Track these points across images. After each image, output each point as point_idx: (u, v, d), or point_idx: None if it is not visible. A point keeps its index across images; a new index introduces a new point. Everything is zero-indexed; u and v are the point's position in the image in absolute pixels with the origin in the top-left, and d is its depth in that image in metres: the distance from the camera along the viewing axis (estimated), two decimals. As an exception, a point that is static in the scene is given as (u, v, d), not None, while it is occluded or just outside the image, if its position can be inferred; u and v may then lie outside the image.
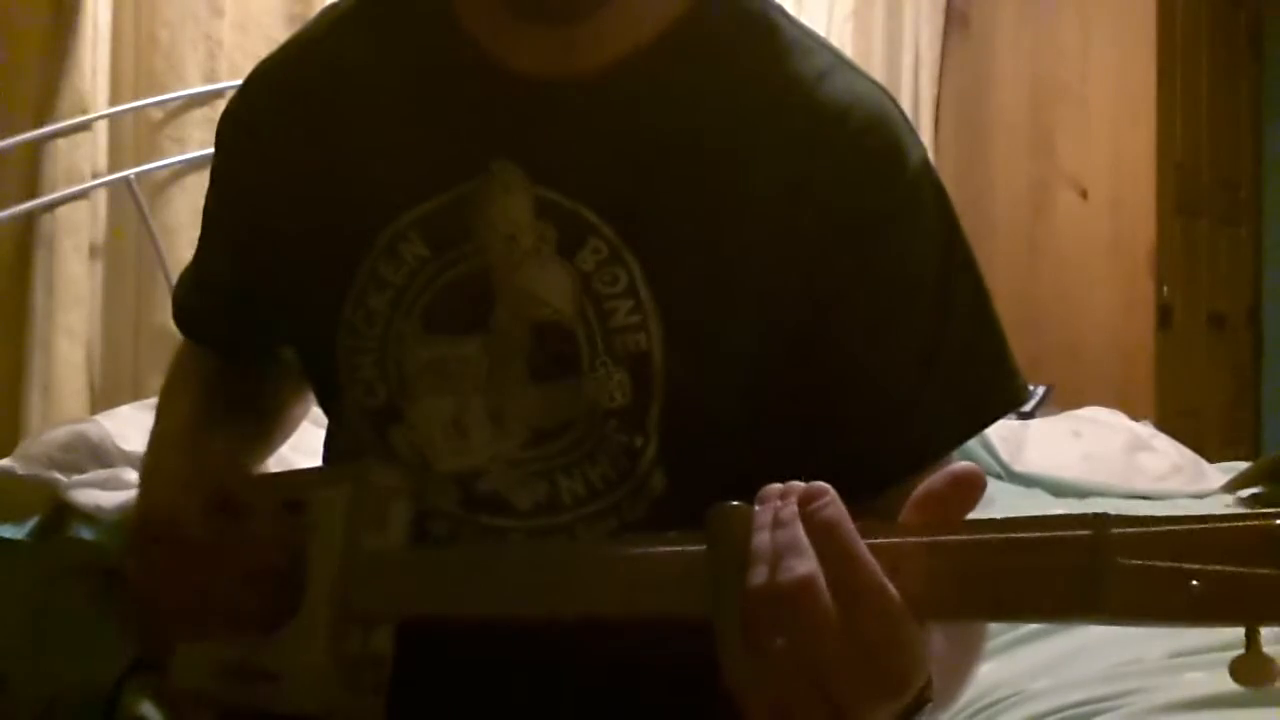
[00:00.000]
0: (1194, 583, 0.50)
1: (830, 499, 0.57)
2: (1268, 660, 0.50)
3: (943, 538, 0.56)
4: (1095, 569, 0.52)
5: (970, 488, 0.57)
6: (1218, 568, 0.50)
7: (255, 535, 0.83)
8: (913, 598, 0.56)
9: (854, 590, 0.55)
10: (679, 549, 0.63)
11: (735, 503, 0.61)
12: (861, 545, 0.56)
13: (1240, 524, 0.50)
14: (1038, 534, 0.54)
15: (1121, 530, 0.52)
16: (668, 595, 0.63)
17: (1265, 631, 0.50)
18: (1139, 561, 0.51)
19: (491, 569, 0.75)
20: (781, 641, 0.55)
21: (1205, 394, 3.83)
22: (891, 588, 0.55)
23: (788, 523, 0.57)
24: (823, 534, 0.56)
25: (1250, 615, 0.50)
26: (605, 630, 0.73)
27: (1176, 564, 0.50)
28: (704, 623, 0.60)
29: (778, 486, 0.60)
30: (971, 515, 0.58)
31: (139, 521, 0.87)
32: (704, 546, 0.61)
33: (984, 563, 0.55)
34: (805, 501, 0.57)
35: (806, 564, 0.56)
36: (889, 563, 0.56)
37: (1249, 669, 0.50)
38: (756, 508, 0.60)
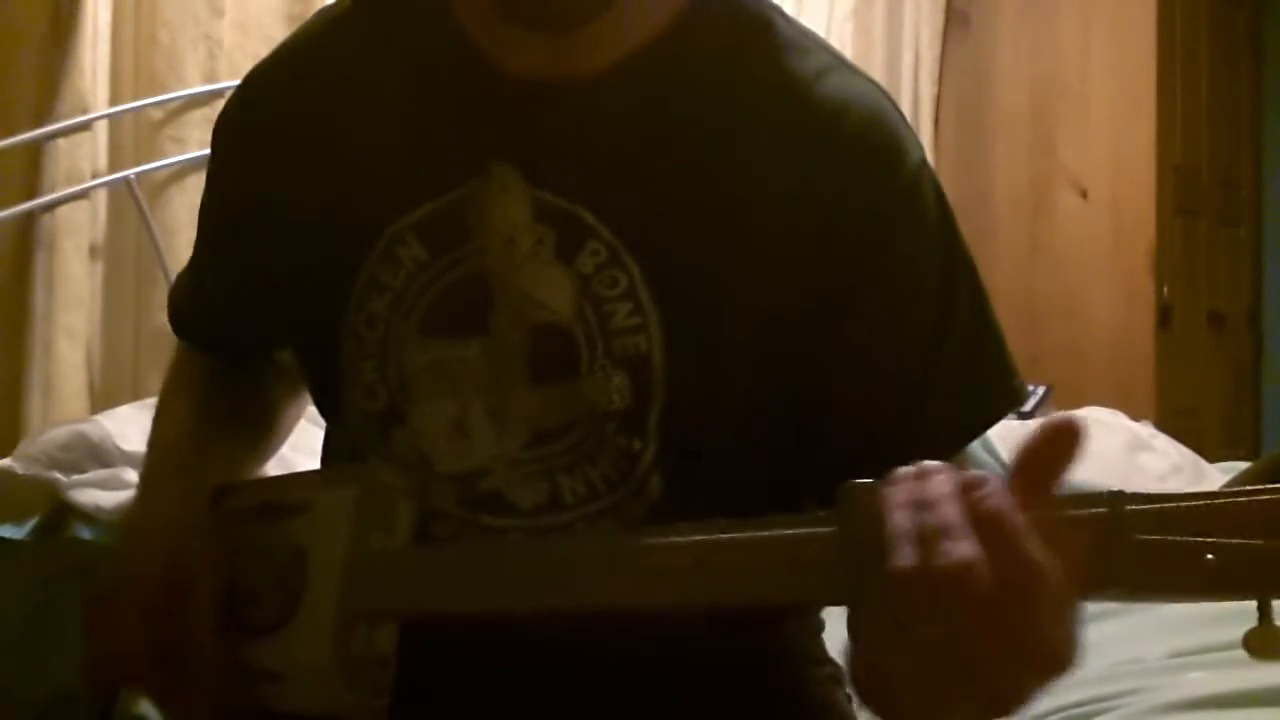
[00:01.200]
0: (1209, 556, 0.51)
1: (994, 488, 0.54)
2: (1279, 632, 0.51)
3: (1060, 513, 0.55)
4: (1112, 545, 0.53)
5: (1069, 437, 0.54)
6: (1232, 541, 0.50)
7: (186, 621, 0.82)
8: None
9: (1030, 580, 0.52)
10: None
11: (864, 480, 0.58)
12: (1032, 535, 0.52)
13: (1254, 499, 0.51)
14: (1053, 512, 0.55)
15: (1137, 507, 0.53)
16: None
17: (1277, 605, 0.51)
18: (1155, 536, 0.52)
19: (500, 567, 0.75)
20: (938, 629, 0.52)
21: (1205, 394, 3.83)
22: (1061, 572, 0.52)
23: (937, 502, 0.54)
24: (992, 525, 0.53)
25: (1264, 587, 0.51)
26: (609, 630, 0.73)
27: (1192, 539, 0.51)
28: (713, 615, 0.59)
29: (910, 468, 0.57)
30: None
31: (110, 569, 0.88)
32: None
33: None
34: (965, 490, 0.54)
35: (966, 547, 0.52)
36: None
37: (1262, 641, 0.51)
38: (888, 489, 0.57)
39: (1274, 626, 0.51)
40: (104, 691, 0.93)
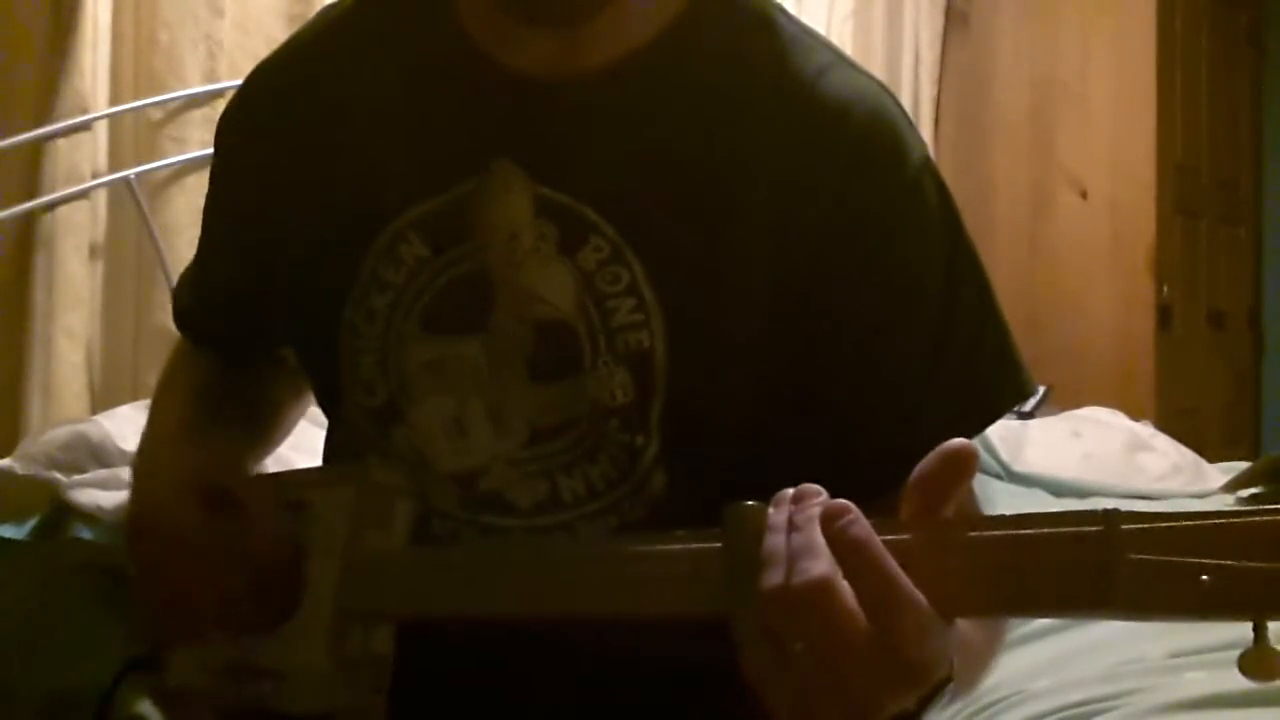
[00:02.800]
0: (1204, 577, 0.51)
1: (855, 516, 0.57)
2: (1275, 654, 0.51)
3: (955, 534, 0.57)
4: (1107, 564, 0.53)
5: (961, 462, 0.57)
6: (1227, 562, 0.50)
7: (251, 532, 0.82)
8: (928, 596, 0.56)
9: (888, 603, 0.55)
10: (692, 546, 0.63)
11: (750, 502, 0.61)
12: (891, 560, 0.56)
13: (1249, 519, 0.51)
14: (1049, 530, 0.55)
15: (1132, 526, 0.53)
16: (681, 594, 0.64)
17: (1273, 627, 0.51)
18: (1150, 556, 0.52)
19: (494, 569, 0.75)
20: (800, 644, 0.56)
21: (1205, 394, 3.83)
22: (922, 598, 0.55)
23: (803, 526, 0.57)
24: (851, 551, 0.56)
25: (1259, 609, 0.51)
26: (606, 630, 0.73)
27: (1187, 559, 0.51)
28: (710, 621, 0.60)
29: (790, 490, 0.60)
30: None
31: (135, 521, 0.87)
32: (717, 545, 0.61)
33: (996, 560, 0.56)
34: (829, 519, 0.57)
35: (821, 566, 0.56)
36: (900, 561, 0.56)
37: (1256, 663, 0.51)
38: (770, 509, 0.60)
39: (1269, 648, 0.51)
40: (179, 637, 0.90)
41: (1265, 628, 0.51)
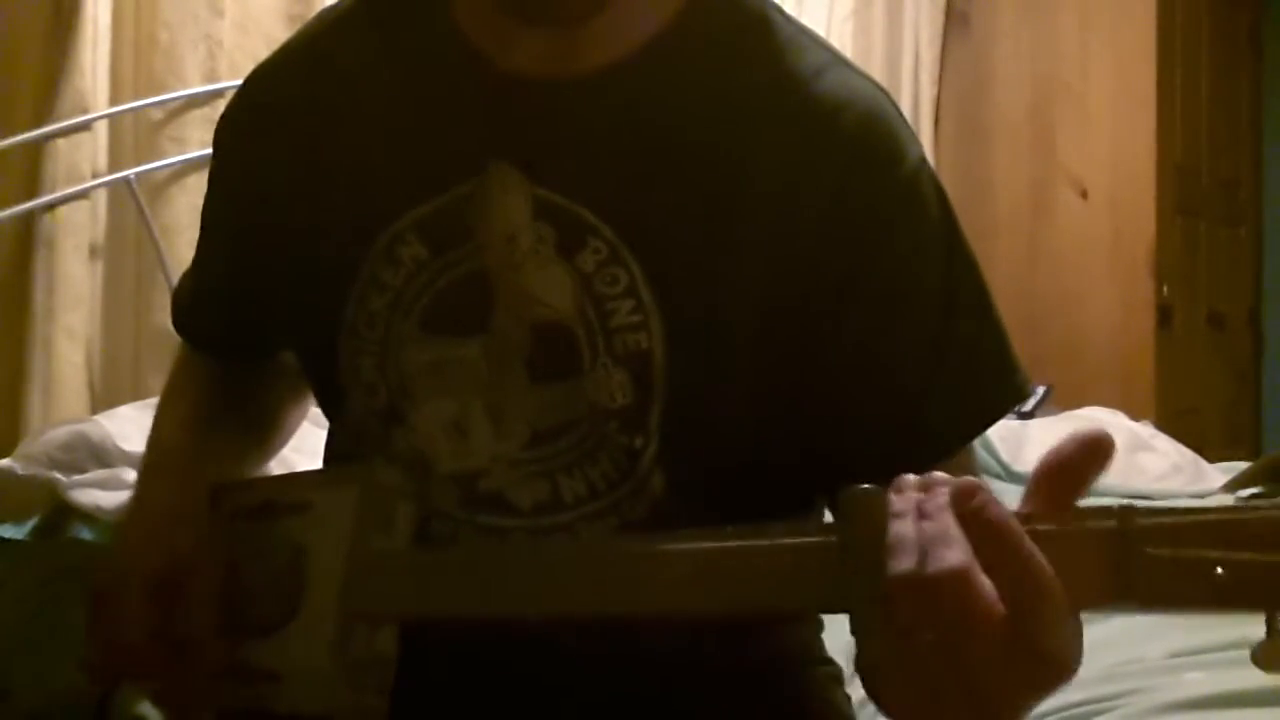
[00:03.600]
0: (1219, 570, 0.51)
1: (990, 497, 0.55)
2: None
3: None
4: (1123, 559, 0.53)
5: (1102, 451, 0.55)
6: (1243, 555, 0.51)
7: (188, 620, 0.84)
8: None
9: (1030, 590, 0.53)
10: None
11: (868, 486, 0.59)
12: (1032, 545, 0.54)
13: (1263, 514, 0.52)
14: (1064, 526, 0.55)
15: (1147, 520, 0.53)
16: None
17: None
18: (1166, 551, 0.52)
19: (499, 568, 0.75)
20: (931, 635, 0.54)
21: (1205, 394, 3.83)
22: (1060, 585, 0.53)
23: (934, 514, 0.55)
24: (991, 535, 0.54)
25: (1273, 602, 0.51)
26: (613, 631, 0.73)
27: (1202, 553, 0.51)
28: (719, 622, 0.60)
29: (914, 477, 0.58)
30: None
31: (106, 565, 0.89)
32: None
33: None
34: (961, 498, 0.55)
35: (957, 553, 0.53)
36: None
37: (1271, 655, 0.52)
38: (892, 495, 0.58)
39: None
40: (106, 681, 0.94)
41: (1278, 620, 0.52)
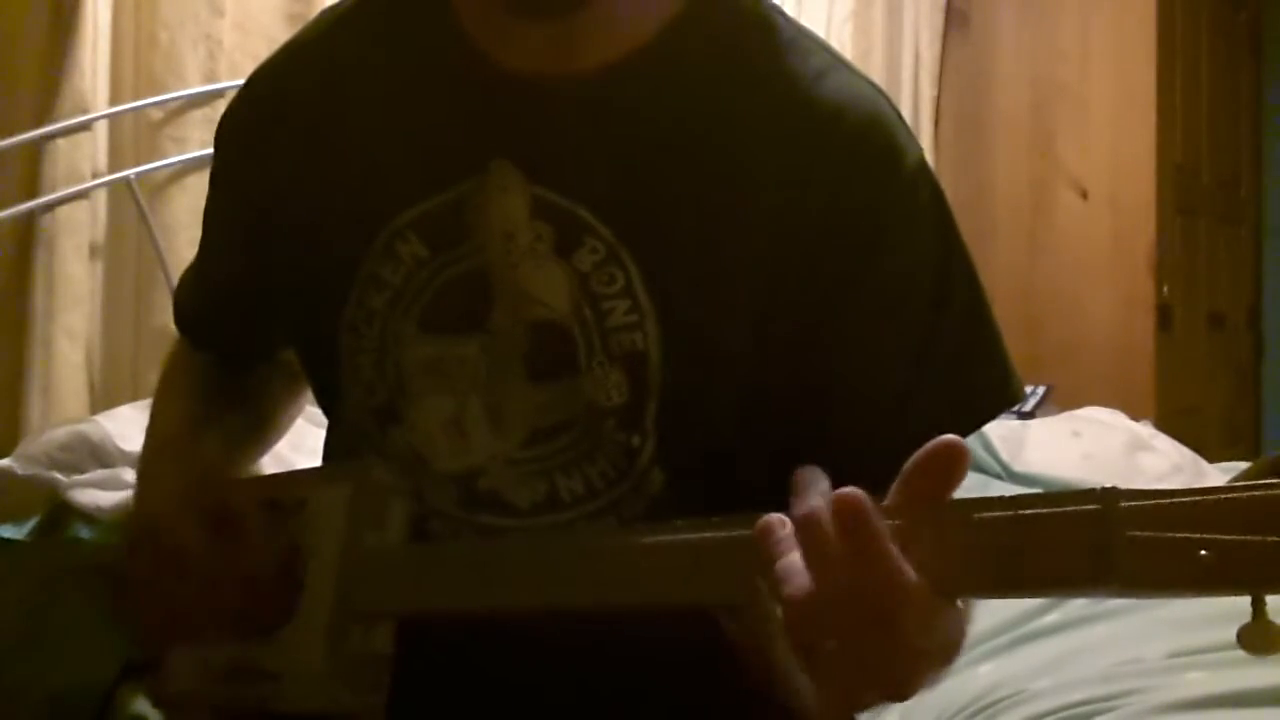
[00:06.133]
0: (1202, 552, 0.51)
1: (866, 511, 0.57)
2: (1274, 627, 0.51)
3: (954, 515, 0.57)
4: (1105, 542, 0.53)
5: (950, 459, 0.58)
6: (1226, 537, 0.51)
7: (249, 549, 0.83)
8: (928, 578, 0.57)
9: (895, 597, 0.56)
10: (708, 536, 0.64)
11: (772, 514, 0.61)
12: (897, 557, 0.57)
13: (1247, 494, 0.52)
14: (1048, 510, 0.55)
15: (1130, 504, 0.53)
16: (704, 586, 0.65)
17: (1272, 600, 0.52)
18: (1148, 533, 0.52)
19: (494, 564, 0.75)
20: (832, 644, 0.58)
21: (1205, 394, 3.83)
22: (920, 588, 0.56)
23: (822, 527, 0.58)
24: (860, 544, 0.57)
25: (1257, 583, 0.51)
26: (607, 624, 0.73)
27: (1185, 535, 0.51)
28: (714, 612, 0.62)
29: (806, 483, 0.61)
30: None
31: (135, 532, 0.87)
32: (724, 535, 0.62)
33: (995, 539, 0.56)
34: (839, 513, 0.58)
35: (844, 571, 0.57)
36: (899, 543, 0.57)
37: (1256, 636, 0.52)
38: (790, 512, 0.60)
39: (1268, 622, 0.52)
40: (169, 639, 0.89)
41: (1264, 601, 0.52)
